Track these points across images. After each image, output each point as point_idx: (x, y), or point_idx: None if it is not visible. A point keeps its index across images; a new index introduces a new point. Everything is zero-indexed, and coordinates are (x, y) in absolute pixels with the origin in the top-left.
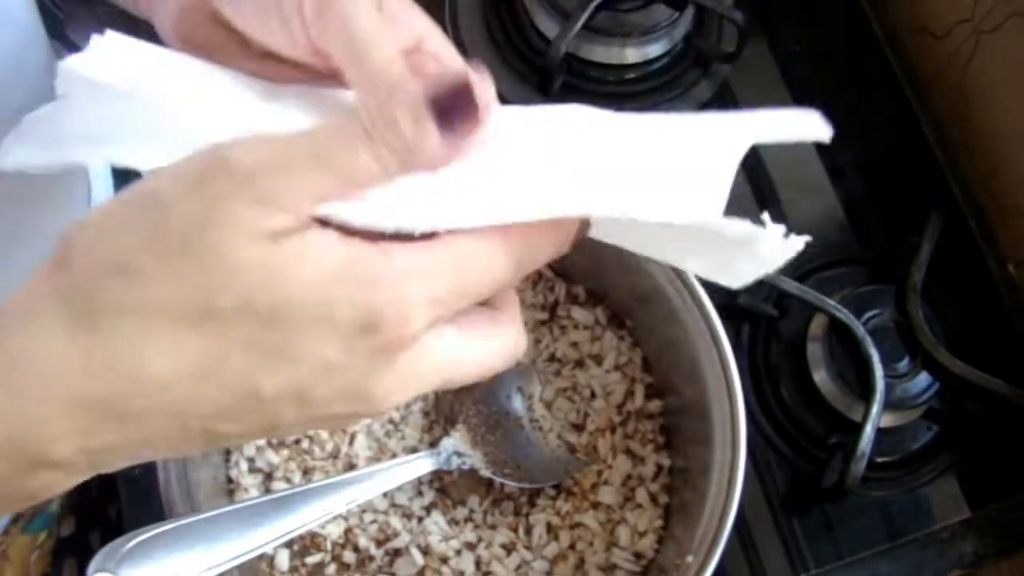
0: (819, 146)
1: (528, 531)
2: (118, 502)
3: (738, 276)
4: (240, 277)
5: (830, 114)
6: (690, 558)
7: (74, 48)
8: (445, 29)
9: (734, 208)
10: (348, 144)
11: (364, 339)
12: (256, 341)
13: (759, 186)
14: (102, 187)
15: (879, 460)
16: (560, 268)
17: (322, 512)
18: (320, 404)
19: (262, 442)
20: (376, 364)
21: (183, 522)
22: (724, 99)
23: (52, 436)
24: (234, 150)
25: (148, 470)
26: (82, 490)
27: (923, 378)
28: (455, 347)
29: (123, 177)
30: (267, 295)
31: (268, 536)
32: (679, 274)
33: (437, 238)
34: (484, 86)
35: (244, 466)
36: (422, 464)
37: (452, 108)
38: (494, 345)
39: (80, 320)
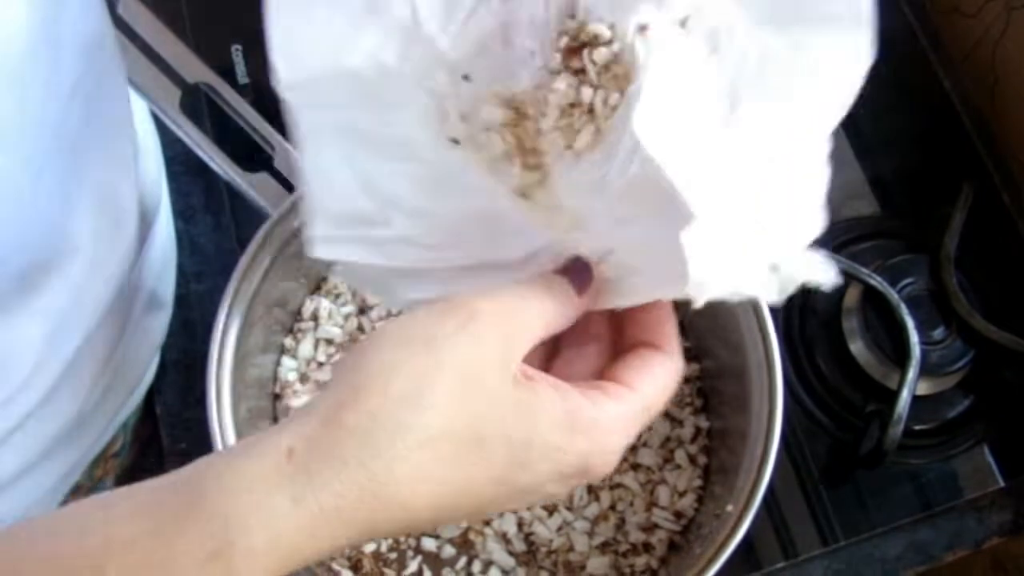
0: (845, 123)
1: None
2: None
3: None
4: (504, 412)
5: (860, 92)
6: (729, 507)
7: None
8: None
9: None
10: (542, 300)
11: (576, 478)
12: (504, 477)
13: None
14: (148, 132)
15: (916, 428)
16: None
17: None
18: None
19: None
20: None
21: None
22: None
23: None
24: (483, 305)
25: (199, 444)
26: (134, 475)
27: (958, 345)
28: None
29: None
30: (520, 433)
31: None
32: None
33: (628, 388)
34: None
35: None
36: None
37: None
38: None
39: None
